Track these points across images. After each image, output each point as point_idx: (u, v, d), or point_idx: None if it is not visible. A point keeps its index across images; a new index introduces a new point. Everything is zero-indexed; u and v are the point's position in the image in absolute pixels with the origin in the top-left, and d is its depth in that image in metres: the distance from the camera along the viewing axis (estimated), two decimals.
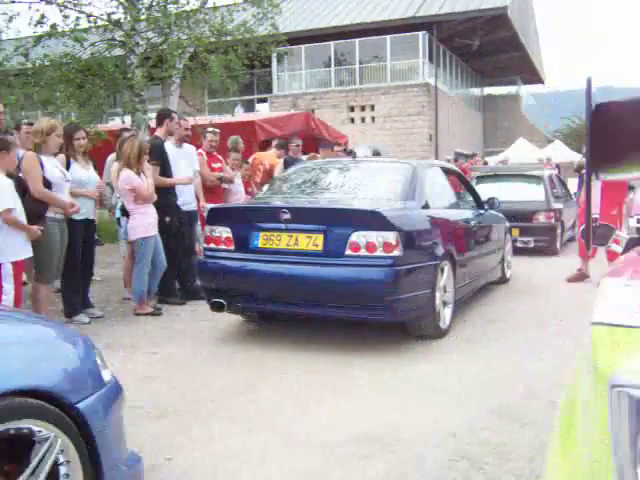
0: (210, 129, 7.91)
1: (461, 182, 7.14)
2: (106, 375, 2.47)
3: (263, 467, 3.01)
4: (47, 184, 5.19)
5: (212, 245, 5.21)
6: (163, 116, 6.87)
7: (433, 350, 4.93)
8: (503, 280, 7.75)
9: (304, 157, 8.94)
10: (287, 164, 8.00)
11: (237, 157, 8.22)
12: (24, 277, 5.62)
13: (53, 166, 5.31)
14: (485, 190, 8.75)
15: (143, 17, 11.64)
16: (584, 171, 9.75)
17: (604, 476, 1.02)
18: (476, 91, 32.89)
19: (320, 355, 4.77)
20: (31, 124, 6.15)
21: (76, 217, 5.59)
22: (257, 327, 5.72)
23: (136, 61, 11.31)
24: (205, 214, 5.92)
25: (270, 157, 9.05)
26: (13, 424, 1.99)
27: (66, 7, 11.11)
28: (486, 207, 7.04)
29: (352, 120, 24.58)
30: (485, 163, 17.72)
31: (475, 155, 17.94)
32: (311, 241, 4.77)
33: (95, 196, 5.93)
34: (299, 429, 3.43)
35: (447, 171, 6.53)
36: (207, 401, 3.87)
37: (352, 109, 24.81)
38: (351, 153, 7.23)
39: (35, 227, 4.87)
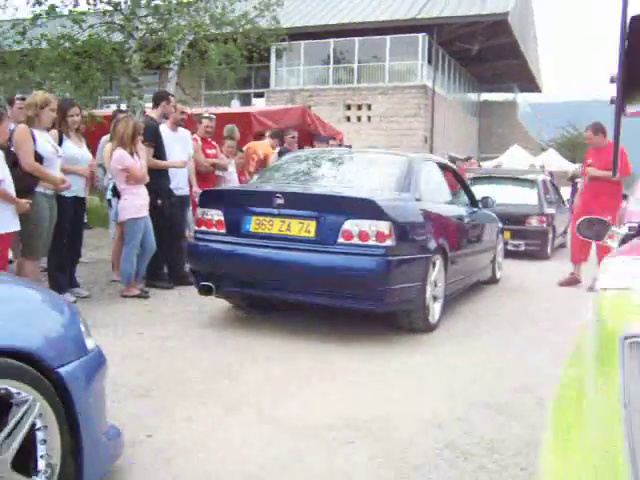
0: (206, 114, 7.85)
1: (456, 179, 7.11)
2: (90, 343, 2.42)
3: (244, 448, 2.96)
4: (38, 158, 5.10)
5: (203, 228, 5.15)
6: (160, 98, 6.79)
7: (423, 343, 4.89)
8: (493, 280, 7.73)
9: None
10: (282, 156, 7.94)
11: (232, 144, 8.17)
12: (10, 254, 5.55)
13: (45, 141, 5.22)
14: (479, 192, 8.71)
15: (144, 1, 11.57)
16: (578, 180, 9.75)
17: (614, 456, 0.97)
18: (473, 96, 32.92)
19: (308, 343, 4.72)
20: (24, 99, 6.06)
21: (66, 194, 5.51)
22: (245, 314, 5.66)
23: (134, 45, 11.22)
24: (197, 200, 5.86)
25: (264, 147, 8.99)
26: None
27: None
28: (480, 206, 7.01)
29: (348, 118, 24.52)
30: (479, 167, 17.71)
31: (470, 158, 17.92)
32: (303, 227, 4.73)
33: (86, 174, 5.86)
34: (283, 413, 3.38)
35: (442, 167, 6.50)
36: (190, 382, 3.82)
37: (349, 107, 24.75)
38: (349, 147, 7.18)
39: (24, 200, 4.80)
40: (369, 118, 24.48)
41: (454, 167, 7.10)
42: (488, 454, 2.97)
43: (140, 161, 6.02)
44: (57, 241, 5.51)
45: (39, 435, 2.09)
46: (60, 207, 5.45)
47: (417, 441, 3.08)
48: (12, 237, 5.03)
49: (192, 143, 7.28)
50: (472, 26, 24.54)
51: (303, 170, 5.76)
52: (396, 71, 24.60)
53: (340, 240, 4.63)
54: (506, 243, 9.50)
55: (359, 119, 24.60)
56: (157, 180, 6.35)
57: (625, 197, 8.97)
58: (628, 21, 1.87)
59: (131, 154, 5.96)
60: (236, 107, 17.59)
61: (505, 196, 10.16)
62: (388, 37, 24.06)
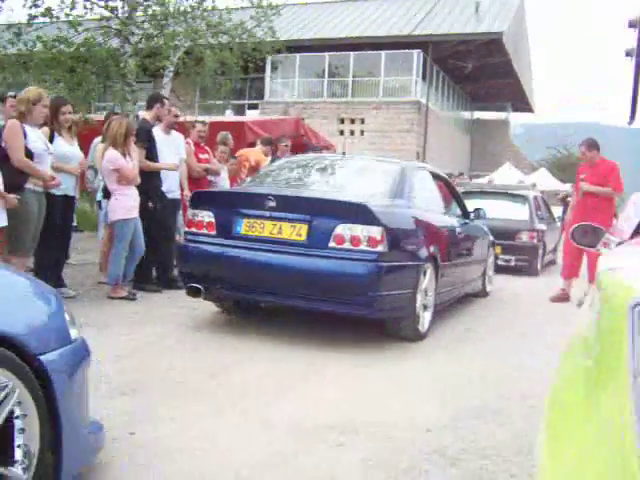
0: (200, 119, 7.82)
1: (448, 190, 7.09)
2: (74, 333, 2.36)
3: (230, 448, 2.89)
4: (29, 154, 5.04)
5: (193, 229, 5.10)
6: (153, 100, 6.75)
7: (413, 351, 4.85)
8: (483, 294, 7.71)
9: None
10: None
11: (225, 150, 8.14)
12: None
13: (37, 137, 5.16)
14: (471, 206, 8.70)
15: (141, 8, 11.57)
16: (570, 199, 9.69)
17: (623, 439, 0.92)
18: (466, 114, 33.13)
19: (297, 347, 4.66)
20: (16, 96, 6.00)
21: (55, 192, 5.44)
22: (233, 318, 5.60)
23: (130, 50, 11.20)
24: (188, 203, 5.81)
25: (256, 153, 8.95)
26: None
27: None
28: (472, 217, 7.00)
29: (341, 132, 24.58)
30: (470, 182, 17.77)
31: (462, 174, 18.01)
32: (295, 231, 4.68)
33: (77, 173, 5.80)
34: (270, 414, 3.32)
35: (435, 176, 6.48)
36: (176, 382, 3.76)
37: (342, 121, 24.84)
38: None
39: (12, 195, 4.73)
40: (362, 132, 24.57)
41: (447, 177, 7.09)
42: (478, 459, 2.92)
43: (132, 162, 5.96)
44: (45, 239, 5.43)
45: (17, 423, 2.02)
46: (49, 205, 5.38)
47: (407, 445, 3.02)
48: (0, 233, 4.96)
49: (185, 147, 7.23)
50: (467, 44, 24.75)
51: (296, 174, 5.72)
52: (390, 86, 24.73)
53: (331, 244, 4.58)
54: (497, 258, 9.48)
55: (352, 133, 24.68)
56: (148, 182, 6.30)
57: (616, 216, 9.00)
58: None
59: (123, 154, 5.91)
60: (230, 117, 17.58)
61: (496, 211, 10.14)
62: (383, 52, 24.23)
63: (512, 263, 10.37)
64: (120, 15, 11.56)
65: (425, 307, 5.22)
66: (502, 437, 3.20)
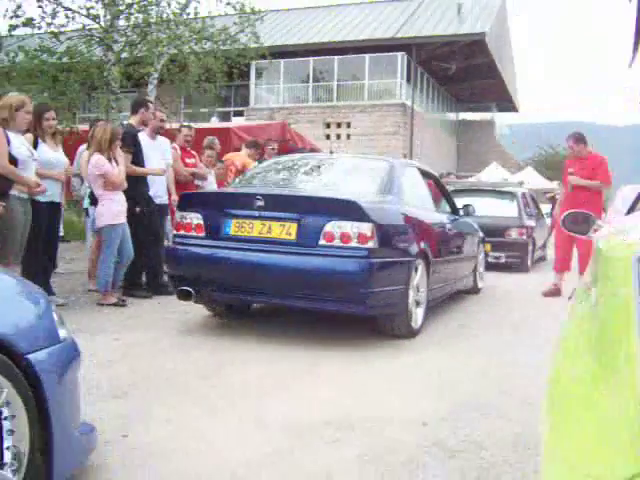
0: (185, 124, 7.78)
1: (437, 187, 7.08)
2: (63, 333, 2.31)
3: (226, 447, 2.84)
4: (13, 161, 4.97)
5: (182, 232, 5.05)
6: (138, 104, 6.69)
7: (407, 347, 4.81)
8: (475, 290, 7.69)
9: None
10: None
11: (212, 154, 8.09)
12: None
13: (20, 143, 5.10)
14: (460, 204, 8.71)
15: (124, 16, 11.51)
16: (557, 193, 9.69)
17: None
18: (452, 115, 33.25)
19: (291, 347, 4.62)
20: None
21: (41, 198, 5.38)
22: (225, 320, 5.55)
23: (113, 58, 11.14)
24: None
25: (241, 157, 8.91)
26: None
27: None
28: (462, 213, 6.99)
29: (328, 136, 24.58)
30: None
31: (450, 174, 18.03)
32: (284, 230, 4.65)
33: (62, 179, 5.74)
34: (265, 413, 3.28)
35: (424, 174, 6.46)
36: (169, 384, 3.70)
37: (328, 125, 24.85)
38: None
39: None
40: (348, 136, 24.58)
41: (435, 174, 7.08)
42: (476, 451, 2.88)
43: (119, 167, 5.91)
44: (32, 246, 5.36)
45: (5, 425, 1.97)
46: (35, 212, 5.31)
47: (404, 440, 2.98)
48: None
49: (171, 152, 7.19)
50: (450, 45, 24.86)
51: (284, 174, 5.69)
52: (375, 90, 24.77)
53: (322, 242, 4.55)
54: (487, 255, 9.48)
55: (339, 137, 24.69)
56: (135, 187, 6.24)
57: (605, 210, 9.04)
58: None
59: (109, 160, 5.85)
60: (215, 123, 17.53)
61: (485, 208, 10.15)
62: (367, 56, 24.28)
63: (502, 260, 10.37)
64: (102, 23, 11.51)
65: (418, 304, 5.20)
66: (500, 429, 3.17)
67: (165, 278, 6.64)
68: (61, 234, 8.62)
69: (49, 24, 11.11)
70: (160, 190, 6.82)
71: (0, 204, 4.72)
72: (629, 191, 7.19)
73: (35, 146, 5.48)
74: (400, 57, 24.01)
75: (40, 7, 11.04)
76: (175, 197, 6.99)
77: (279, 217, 4.67)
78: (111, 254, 5.88)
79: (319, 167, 5.75)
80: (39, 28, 11.01)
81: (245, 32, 13.34)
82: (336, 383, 3.85)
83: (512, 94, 34.16)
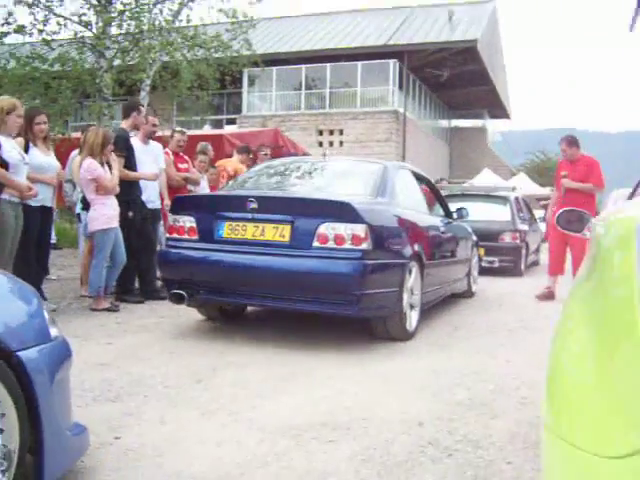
0: (178, 129, 7.75)
1: (431, 190, 7.08)
2: (54, 332, 2.28)
3: (219, 448, 2.81)
4: (4, 165, 4.93)
5: (175, 235, 5.01)
6: (130, 108, 6.66)
7: (402, 349, 4.79)
8: (469, 294, 7.69)
9: None
10: None
11: (204, 160, 8.07)
12: None
13: (11, 147, 5.06)
14: (453, 209, 8.71)
15: (116, 23, 11.50)
16: (549, 202, 9.60)
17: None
18: (444, 122, 33.32)
19: (284, 350, 4.59)
20: None
21: (32, 203, 5.34)
22: (218, 324, 5.51)
23: (105, 65, 11.12)
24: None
25: (232, 163, 8.89)
26: None
27: (36, 5, 10.88)
28: (455, 216, 6.99)
29: (320, 144, 24.57)
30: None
31: (443, 180, 18.07)
32: (278, 232, 4.62)
33: (54, 183, 5.70)
34: (259, 415, 3.24)
35: (418, 177, 6.45)
36: (162, 387, 3.67)
37: (321, 133, 24.85)
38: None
39: None
40: (341, 143, 24.57)
41: (429, 178, 7.07)
42: (473, 450, 2.86)
43: (112, 171, 5.88)
44: (23, 251, 5.32)
45: None
46: (26, 216, 5.27)
47: (400, 439, 2.96)
48: None
49: (164, 156, 7.16)
50: (442, 52, 24.91)
51: (277, 177, 5.67)
52: (368, 97, 24.80)
53: (315, 244, 4.52)
54: (480, 260, 9.48)
55: (331, 144, 24.68)
56: (128, 191, 6.21)
57: (598, 213, 9.05)
58: None
59: (101, 164, 5.82)
60: (208, 130, 17.52)
61: (479, 213, 10.16)
62: (359, 63, 24.30)
63: (496, 264, 10.37)
64: (94, 30, 11.49)
65: (412, 306, 5.17)
66: (496, 428, 3.15)
67: (158, 283, 6.62)
68: (53, 240, 8.58)
69: (41, 31, 11.08)
70: (153, 195, 6.79)
71: None
72: (622, 194, 7.22)
73: (26, 150, 5.44)
74: (392, 64, 24.06)
75: (32, 14, 11.00)
76: (168, 202, 6.96)
77: (272, 219, 4.64)
78: (103, 259, 5.84)
79: (312, 170, 5.73)
80: (30, 35, 10.98)
81: (237, 39, 13.34)
82: (331, 385, 3.82)
83: (504, 101, 34.28)
